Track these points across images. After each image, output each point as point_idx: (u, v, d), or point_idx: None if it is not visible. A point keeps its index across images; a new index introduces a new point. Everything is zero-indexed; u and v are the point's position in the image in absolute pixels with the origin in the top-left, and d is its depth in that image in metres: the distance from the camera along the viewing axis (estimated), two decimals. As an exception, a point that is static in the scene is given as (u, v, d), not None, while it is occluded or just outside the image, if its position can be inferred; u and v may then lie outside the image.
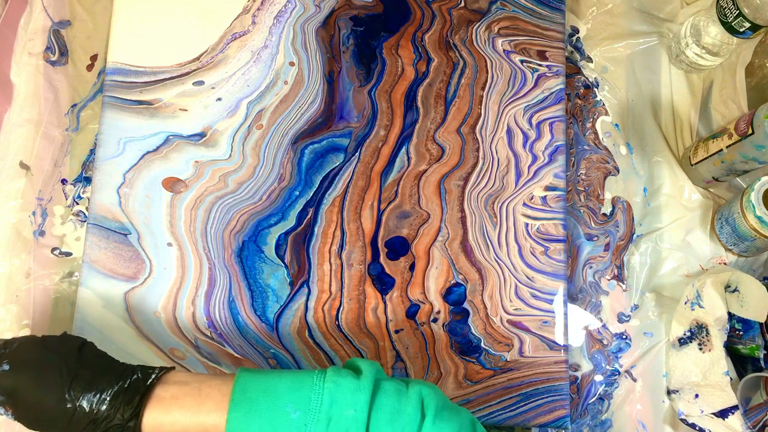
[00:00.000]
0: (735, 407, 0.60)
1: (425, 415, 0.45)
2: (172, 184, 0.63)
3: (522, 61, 0.68)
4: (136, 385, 0.46)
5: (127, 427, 0.45)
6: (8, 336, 0.61)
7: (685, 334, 0.65)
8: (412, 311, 0.62)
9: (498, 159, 0.66)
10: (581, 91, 0.73)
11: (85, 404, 0.45)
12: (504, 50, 0.68)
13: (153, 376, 0.47)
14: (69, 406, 0.45)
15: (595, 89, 0.73)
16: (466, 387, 0.61)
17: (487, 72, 0.68)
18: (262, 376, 0.47)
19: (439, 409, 0.45)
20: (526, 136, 0.67)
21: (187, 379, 0.48)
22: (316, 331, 0.61)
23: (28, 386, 0.45)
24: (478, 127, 0.66)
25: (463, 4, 0.69)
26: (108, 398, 0.45)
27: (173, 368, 0.50)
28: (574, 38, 0.74)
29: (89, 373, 0.46)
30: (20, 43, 0.68)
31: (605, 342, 0.67)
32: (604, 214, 0.70)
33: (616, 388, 0.66)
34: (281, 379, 0.46)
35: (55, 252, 0.64)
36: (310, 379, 0.46)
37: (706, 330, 0.63)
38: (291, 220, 0.63)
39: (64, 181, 0.66)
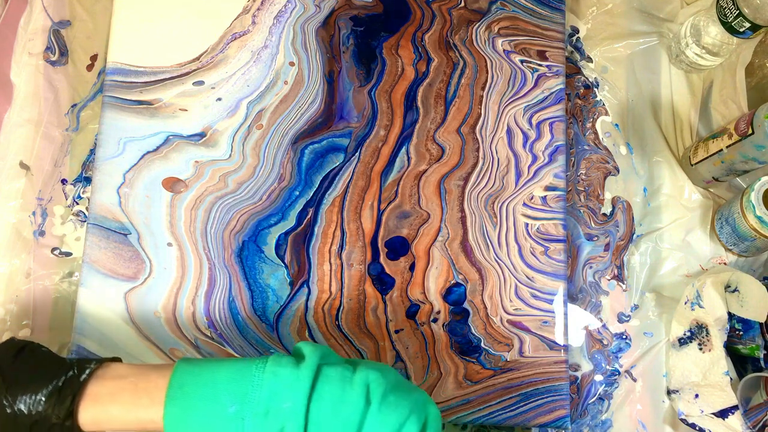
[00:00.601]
0: (735, 407, 0.60)
1: (370, 402, 0.42)
2: (172, 184, 0.63)
3: (522, 61, 0.68)
4: (70, 383, 0.45)
5: (65, 426, 0.44)
6: (6, 336, 0.61)
7: (685, 334, 0.65)
8: (412, 311, 0.62)
9: (498, 159, 0.66)
10: (581, 91, 0.73)
11: (23, 407, 0.44)
12: (504, 50, 0.68)
13: (86, 372, 0.45)
14: (9, 411, 0.44)
15: (595, 89, 0.73)
16: (466, 387, 0.61)
17: (487, 72, 0.68)
18: (201, 369, 0.45)
19: (386, 393, 0.43)
20: (526, 136, 0.67)
21: (124, 372, 0.46)
22: (316, 331, 0.61)
23: None
24: (478, 127, 0.66)
25: (463, 4, 0.69)
26: (43, 399, 0.44)
27: (114, 360, 0.48)
28: (574, 38, 0.74)
29: (26, 376, 0.45)
30: (20, 43, 0.68)
31: (605, 342, 0.67)
32: (604, 214, 0.70)
33: (616, 388, 0.66)
34: (220, 370, 0.45)
35: (55, 252, 0.64)
36: (250, 369, 0.44)
37: (706, 330, 0.63)
38: (291, 220, 0.63)
39: (64, 181, 0.66)
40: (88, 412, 0.44)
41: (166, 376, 0.45)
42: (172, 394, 0.44)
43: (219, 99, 0.65)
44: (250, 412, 0.42)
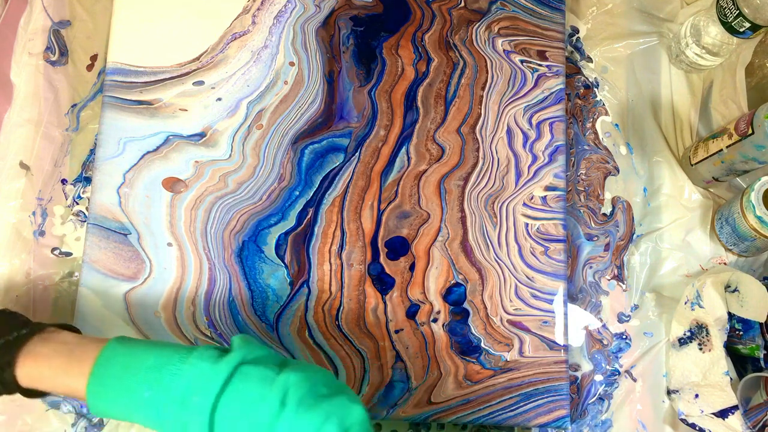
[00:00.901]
0: (735, 407, 0.60)
1: (286, 404, 0.41)
2: (172, 184, 0.63)
3: (522, 61, 0.68)
4: (17, 339, 0.48)
5: (4, 377, 0.47)
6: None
7: (685, 334, 0.65)
8: (412, 311, 0.62)
9: (498, 159, 0.66)
10: (581, 91, 0.73)
11: None
12: (504, 50, 0.68)
13: (34, 332, 0.49)
14: None
15: (595, 89, 0.73)
16: (466, 387, 0.61)
17: (487, 72, 0.68)
18: (129, 350, 0.46)
19: (306, 396, 0.42)
20: (526, 136, 0.67)
21: (69, 339, 0.48)
22: (316, 331, 0.61)
23: None
24: (478, 127, 0.66)
25: (463, 4, 0.69)
26: None
27: (70, 328, 0.51)
28: (574, 38, 0.74)
29: None
30: (20, 43, 0.68)
31: (605, 342, 0.67)
32: (604, 214, 0.70)
33: (616, 388, 0.66)
34: (149, 353, 0.45)
35: (55, 252, 0.64)
36: (173, 358, 0.44)
37: (706, 330, 0.63)
38: (291, 220, 0.63)
39: (64, 181, 0.66)
40: (24, 368, 0.47)
41: (99, 350, 0.46)
42: (97, 371, 0.45)
43: (219, 99, 0.65)
44: (163, 400, 0.43)
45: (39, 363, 0.47)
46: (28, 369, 0.47)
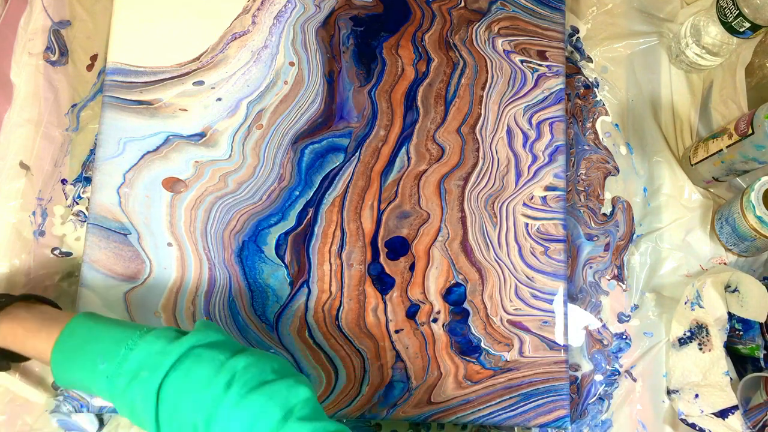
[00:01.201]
0: (735, 407, 0.60)
1: (230, 386, 0.41)
2: (172, 184, 0.63)
3: (522, 61, 0.68)
4: (2, 303, 0.52)
5: None
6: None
7: (685, 334, 0.65)
8: (412, 311, 0.62)
9: (498, 159, 0.66)
10: (581, 91, 0.73)
11: None
12: (504, 50, 0.68)
13: (16, 297, 0.54)
14: None
15: (595, 89, 0.73)
16: (466, 387, 0.61)
17: (487, 72, 0.68)
18: (94, 324, 0.48)
19: (251, 380, 0.42)
20: (526, 136, 0.67)
21: (48, 310, 0.53)
22: (316, 331, 0.61)
23: None
24: (478, 127, 0.66)
25: (463, 4, 0.69)
26: None
27: (53, 305, 0.55)
28: (574, 38, 0.74)
29: None
30: (20, 43, 0.68)
31: (605, 342, 0.67)
32: (604, 214, 0.70)
33: (616, 388, 0.66)
34: (110, 330, 0.47)
35: (55, 252, 0.64)
36: (133, 334, 0.46)
37: (706, 330, 0.63)
38: (291, 220, 0.63)
39: (64, 181, 0.66)
40: (1, 327, 0.51)
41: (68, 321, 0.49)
42: (61, 339, 0.47)
43: (219, 99, 0.65)
44: (116, 372, 0.44)
45: (14, 324, 0.50)
46: (3, 328, 0.50)
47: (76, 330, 0.48)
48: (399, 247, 0.63)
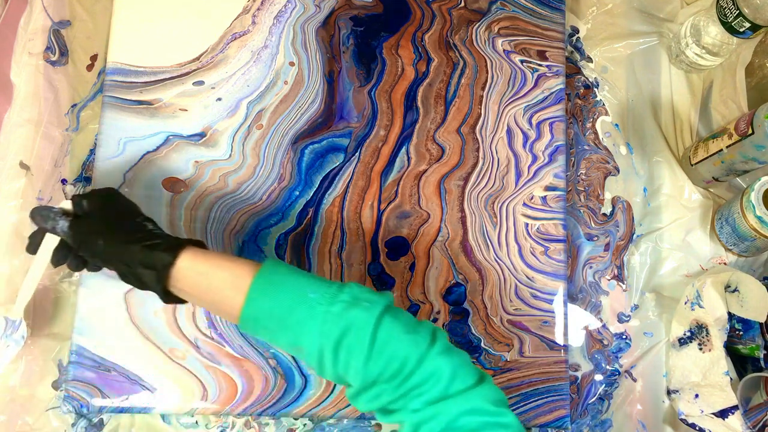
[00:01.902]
0: (735, 407, 0.60)
1: (435, 342, 0.45)
2: (172, 184, 0.63)
3: (522, 61, 0.68)
4: (175, 246, 0.49)
5: (159, 276, 0.48)
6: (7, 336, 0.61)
7: (685, 334, 0.65)
8: (412, 311, 0.62)
9: (498, 159, 0.66)
10: (581, 91, 0.73)
11: (150, 226, 0.52)
12: (504, 50, 0.68)
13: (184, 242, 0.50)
14: (147, 226, 0.52)
15: (595, 89, 0.73)
16: (466, 387, 0.61)
17: (487, 72, 0.68)
18: (289, 267, 0.48)
19: (448, 343, 0.46)
20: (526, 136, 0.67)
21: (223, 255, 0.50)
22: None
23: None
24: (478, 127, 0.66)
25: (463, 4, 0.69)
26: (158, 230, 0.52)
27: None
28: (574, 38, 0.74)
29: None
30: (20, 43, 0.68)
31: (605, 342, 0.67)
32: (604, 214, 0.70)
33: (616, 388, 0.66)
34: (308, 274, 0.48)
35: (55, 252, 0.64)
36: (333, 282, 0.47)
37: (706, 330, 0.63)
38: (291, 220, 0.63)
39: (64, 181, 0.66)
40: (188, 255, 0.48)
41: (247, 273, 0.47)
42: (264, 270, 0.47)
43: (219, 99, 0.65)
44: (329, 300, 0.45)
45: (202, 257, 0.48)
46: (191, 255, 0.48)
47: (277, 266, 0.47)
48: (399, 247, 0.63)
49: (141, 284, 0.49)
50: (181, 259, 0.48)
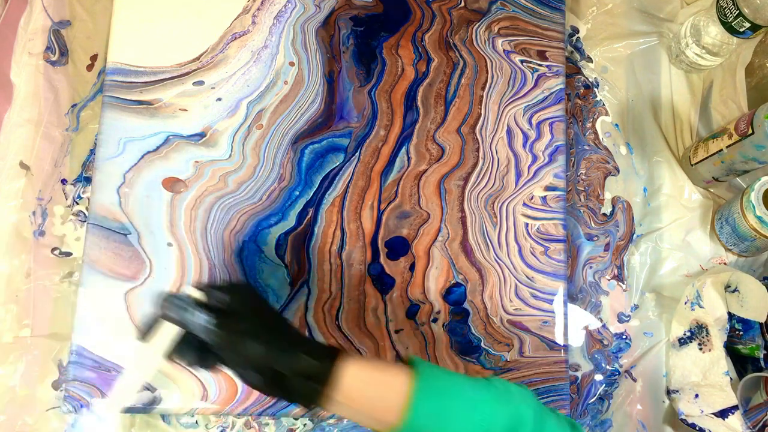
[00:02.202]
0: (735, 407, 0.60)
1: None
2: (172, 184, 0.63)
3: (522, 61, 0.68)
4: (328, 350, 0.45)
5: (330, 368, 0.43)
6: (8, 337, 0.61)
7: (685, 334, 0.65)
8: (412, 311, 0.62)
9: (498, 159, 0.66)
10: (581, 91, 0.73)
11: (295, 329, 0.46)
12: (504, 50, 0.68)
13: (337, 353, 0.45)
14: (289, 323, 0.46)
15: (595, 89, 0.73)
16: (466, 387, 0.61)
17: (487, 72, 0.68)
18: (441, 369, 0.46)
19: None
20: (526, 136, 0.67)
21: (373, 362, 0.46)
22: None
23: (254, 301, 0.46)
24: (478, 127, 0.66)
25: (463, 4, 0.69)
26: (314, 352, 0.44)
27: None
28: (574, 38, 0.74)
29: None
30: (20, 43, 0.68)
31: (605, 342, 0.67)
32: (604, 214, 0.70)
33: (616, 388, 0.66)
34: (455, 374, 0.46)
35: (55, 252, 0.64)
36: (486, 382, 0.45)
37: (706, 330, 0.63)
38: (291, 220, 0.63)
39: (64, 181, 0.66)
40: (349, 369, 0.43)
41: (404, 378, 0.44)
42: (423, 372, 0.43)
43: (219, 99, 0.65)
44: (491, 395, 0.43)
45: (358, 364, 0.43)
46: (352, 370, 0.43)
47: (432, 369, 0.44)
48: (399, 247, 0.63)
49: (289, 395, 0.43)
50: (346, 369, 0.43)
